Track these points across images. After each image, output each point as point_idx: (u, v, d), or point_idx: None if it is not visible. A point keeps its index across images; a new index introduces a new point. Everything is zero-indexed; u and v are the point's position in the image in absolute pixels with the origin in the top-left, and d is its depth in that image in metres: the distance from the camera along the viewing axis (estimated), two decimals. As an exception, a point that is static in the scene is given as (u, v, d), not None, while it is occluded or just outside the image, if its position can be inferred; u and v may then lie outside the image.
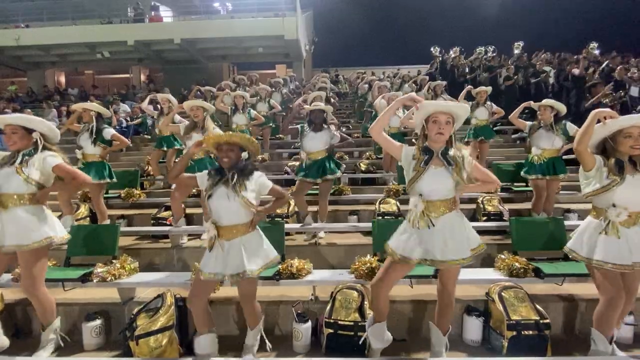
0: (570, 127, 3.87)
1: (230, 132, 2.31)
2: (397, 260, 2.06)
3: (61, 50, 15.62)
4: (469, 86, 6.09)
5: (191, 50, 15.46)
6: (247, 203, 2.12)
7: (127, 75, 18.33)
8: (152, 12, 15.69)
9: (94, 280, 2.76)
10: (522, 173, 4.16)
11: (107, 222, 4.09)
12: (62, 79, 19.16)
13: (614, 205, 2.03)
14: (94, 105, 4.08)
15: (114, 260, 2.96)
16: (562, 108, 3.96)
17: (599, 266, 2.05)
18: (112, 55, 15.58)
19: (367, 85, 9.64)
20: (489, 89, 5.84)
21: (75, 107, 4.20)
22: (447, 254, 1.99)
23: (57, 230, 2.42)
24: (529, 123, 4.12)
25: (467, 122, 6.21)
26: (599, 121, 2.03)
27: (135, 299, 2.94)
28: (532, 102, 4.26)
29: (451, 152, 2.04)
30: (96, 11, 15.86)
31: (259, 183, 2.21)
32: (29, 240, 2.27)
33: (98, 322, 2.65)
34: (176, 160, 5.09)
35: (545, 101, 4.02)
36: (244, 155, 2.23)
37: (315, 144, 3.80)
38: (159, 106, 5.97)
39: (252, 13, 15.61)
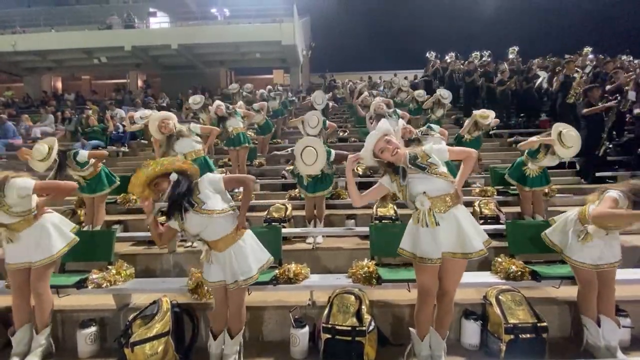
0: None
1: (138, 170, 2.04)
2: (417, 261, 2.08)
3: (58, 56, 15.63)
4: (473, 113, 5.39)
5: (188, 55, 15.51)
6: (218, 214, 2.07)
7: (125, 81, 18.34)
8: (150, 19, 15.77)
9: (89, 287, 2.73)
10: (507, 176, 4.19)
11: (99, 227, 4.07)
12: (59, 84, 19.14)
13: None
14: (44, 150, 3.58)
15: (109, 266, 2.93)
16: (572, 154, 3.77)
17: (578, 265, 2.35)
18: (110, 61, 15.60)
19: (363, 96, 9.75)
20: (497, 121, 5.52)
21: None
22: (467, 247, 2.01)
23: (66, 237, 2.56)
24: (537, 141, 3.79)
25: (460, 125, 6.23)
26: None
27: (131, 305, 2.91)
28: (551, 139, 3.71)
29: (418, 155, 2.09)
30: (93, 17, 15.90)
31: (211, 183, 2.11)
32: (43, 256, 2.42)
33: (93, 329, 2.62)
34: None
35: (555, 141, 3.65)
36: (172, 177, 2.07)
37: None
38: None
39: (249, 19, 15.72)
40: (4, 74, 16.98)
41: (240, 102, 7.52)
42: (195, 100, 7.29)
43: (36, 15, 15.97)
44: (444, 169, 2.07)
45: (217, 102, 5.97)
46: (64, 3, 17.85)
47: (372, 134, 2.13)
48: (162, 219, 4.29)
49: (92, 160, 3.96)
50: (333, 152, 4.01)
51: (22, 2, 17.44)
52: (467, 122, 5.47)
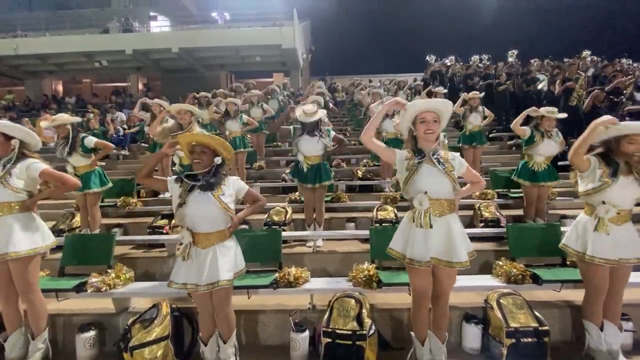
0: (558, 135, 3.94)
1: (205, 133, 2.18)
2: (407, 262, 2.07)
3: (59, 59, 15.69)
4: (464, 93, 6.13)
5: (189, 59, 15.57)
6: (225, 208, 2.07)
7: (125, 84, 18.40)
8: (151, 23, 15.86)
9: (89, 290, 2.72)
10: (515, 177, 4.14)
11: (98, 230, 4.04)
12: (60, 88, 19.21)
13: (603, 202, 2.16)
14: (67, 118, 3.92)
15: (109, 270, 2.93)
16: (562, 116, 3.97)
17: (589, 260, 2.19)
18: (110, 64, 15.67)
19: (364, 92, 9.74)
20: (482, 94, 5.94)
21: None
22: (453, 256, 2.01)
23: (46, 239, 2.40)
24: (528, 130, 3.99)
25: (460, 127, 6.28)
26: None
27: (130, 309, 2.90)
28: (535, 108, 4.08)
29: (441, 153, 2.08)
30: (94, 21, 15.98)
31: (236, 187, 2.16)
32: (18, 248, 2.24)
33: (92, 333, 2.61)
34: (173, 168, 5.07)
35: (548, 110, 3.93)
36: (217, 160, 2.11)
37: (312, 147, 3.82)
38: (151, 111, 5.96)
39: (249, 22, 15.79)
40: (5, 77, 17.05)
41: (257, 91, 7.54)
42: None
43: (37, 19, 16.05)
44: (454, 176, 2.06)
45: (231, 99, 6.02)
46: (65, 7, 17.96)
47: (429, 100, 2.12)
48: (162, 222, 4.34)
49: (93, 157, 3.95)
50: (333, 132, 3.97)
51: (24, 6, 17.54)
52: (459, 106, 5.77)
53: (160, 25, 17.31)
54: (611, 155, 2.18)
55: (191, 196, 2.06)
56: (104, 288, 2.72)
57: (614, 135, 2.17)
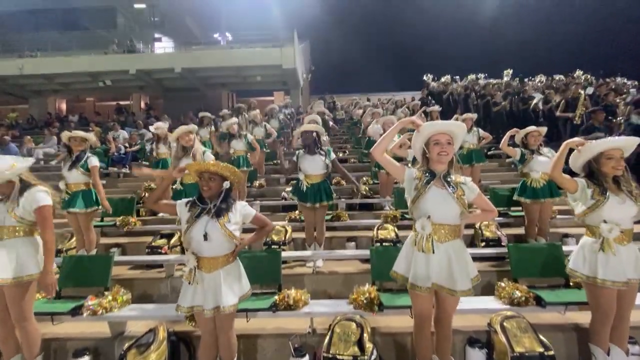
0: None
1: (214, 162, 2.24)
2: (409, 287, 2.04)
3: (64, 79, 16.00)
4: (455, 115, 6.28)
5: (191, 78, 15.88)
6: (230, 236, 2.09)
7: (128, 102, 18.68)
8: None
9: (84, 314, 2.67)
10: (517, 197, 4.14)
11: (95, 251, 3.99)
12: (63, 106, 19.49)
13: (604, 222, 2.15)
14: (82, 134, 4.00)
15: (105, 292, 2.88)
16: (544, 131, 4.14)
17: (601, 284, 2.14)
18: (114, 83, 15.95)
19: (361, 111, 9.91)
20: (474, 115, 6.05)
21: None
22: (456, 284, 1.98)
23: (41, 264, 2.33)
24: (518, 150, 4.08)
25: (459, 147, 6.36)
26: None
27: (126, 333, 2.84)
28: (517, 130, 4.22)
29: (453, 177, 2.06)
30: (101, 42, 16.39)
31: (243, 214, 2.19)
32: (14, 274, 2.21)
33: (86, 358, 2.55)
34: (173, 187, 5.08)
35: (531, 128, 4.07)
36: (226, 184, 2.15)
37: (313, 166, 3.84)
38: (156, 135, 6.05)
39: (251, 43, 16.20)
40: (9, 96, 17.32)
41: (257, 113, 7.73)
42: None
43: (44, 40, 16.46)
44: (464, 201, 2.02)
45: (233, 119, 6.16)
46: (72, 28, 18.45)
47: (444, 122, 2.11)
48: (161, 242, 4.31)
49: (89, 178, 3.92)
50: (333, 154, 3.97)
51: (32, 26, 18.02)
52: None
53: (164, 46, 17.75)
54: (596, 177, 2.20)
55: (198, 221, 2.09)
56: (100, 311, 2.68)
57: (590, 157, 2.21)
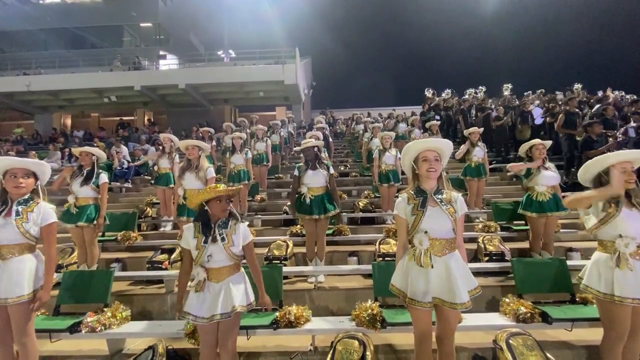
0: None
1: (231, 187, 2.34)
2: (407, 302, 2.02)
3: (70, 95, 16.31)
4: (460, 127, 6.32)
5: (195, 94, 16.17)
6: (231, 256, 2.19)
7: (132, 117, 18.95)
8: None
9: (83, 331, 2.64)
10: (522, 210, 4.09)
11: (96, 266, 3.98)
12: (69, 121, 19.78)
13: (620, 236, 2.10)
14: (93, 150, 4.09)
15: (105, 309, 2.85)
16: (549, 144, 4.14)
17: (619, 302, 2.07)
18: (119, 99, 16.26)
19: (361, 126, 10.01)
20: (481, 129, 6.09)
21: (74, 151, 4.30)
22: (455, 297, 1.95)
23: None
24: (525, 166, 4.03)
25: (461, 160, 6.36)
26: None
27: (125, 350, 2.79)
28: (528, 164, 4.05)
29: (444, 193, 2.08)
30: (107, 59, 16.78)
31: (243, 235, 2.26)
32: (17, 294, 2.18)
33: (83, 377, 2.50)
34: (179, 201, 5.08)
35: (536, 141, 4.07)
36: (231, 208, 2.26)
37: (315, 179, 3.90)
38: (160, 147, 6.10)
39: (254, 60, 16.55)
40: (15, 111, 17.61)
41: (260, 126, 7.90)
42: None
43: (52, 57, 16.87)
44: (456, 217, 2.03)
45: (237, 133, 6.25)
46: (79, 46, 18.93)
47: (432, 139, 2.13)
48: (161, 257, 4.29)
49: (98, 193, 3.98)
50: (332, 169, 4.04)
51: (40, 45, 18.50)
52: (462, 147, 5.95)
53: (168, 63, 18.15)
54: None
55: (206, 246, 2.17)
56: (99, 328, 2.64)
57: (600, 170, 2.20)
